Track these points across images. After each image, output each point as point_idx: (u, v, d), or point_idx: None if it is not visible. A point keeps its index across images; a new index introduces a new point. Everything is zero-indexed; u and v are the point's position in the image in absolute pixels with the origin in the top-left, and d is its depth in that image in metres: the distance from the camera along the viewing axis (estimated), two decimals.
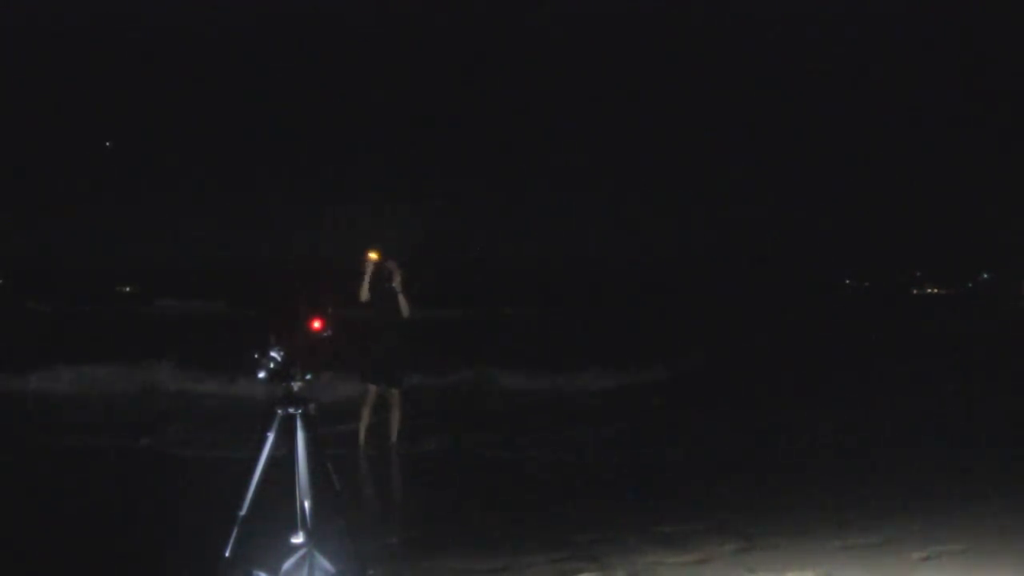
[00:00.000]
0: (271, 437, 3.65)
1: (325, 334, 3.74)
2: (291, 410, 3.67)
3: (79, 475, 8.49)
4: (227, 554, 3.56)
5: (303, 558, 3.65)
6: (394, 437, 9.71)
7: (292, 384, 3.68)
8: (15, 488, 7.82)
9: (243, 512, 3.59)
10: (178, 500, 7.26)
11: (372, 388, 9.59)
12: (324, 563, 3.66)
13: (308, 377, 3.71)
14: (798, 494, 7.23)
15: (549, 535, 5.80)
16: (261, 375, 3.65)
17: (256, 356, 3.65)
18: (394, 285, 9.40)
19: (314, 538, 3.67)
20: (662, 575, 5.03)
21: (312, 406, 3.71)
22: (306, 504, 3.67)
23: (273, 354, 3.64)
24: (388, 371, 9.59)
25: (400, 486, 8.83)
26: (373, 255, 9.44)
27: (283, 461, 3.67)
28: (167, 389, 14.40)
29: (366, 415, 9.60)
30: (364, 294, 9.40)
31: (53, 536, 6.00)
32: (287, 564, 3.64)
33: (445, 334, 21.10)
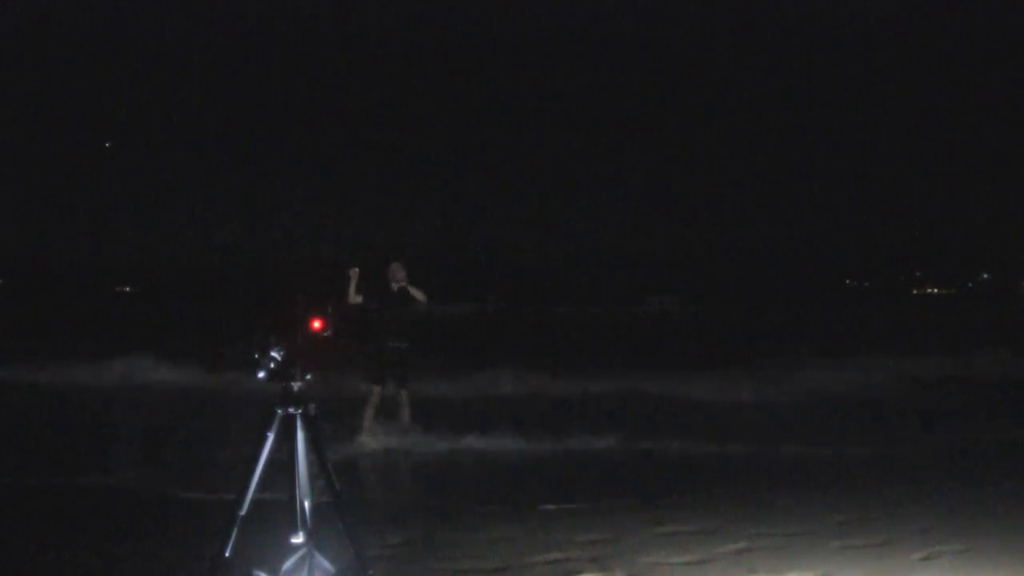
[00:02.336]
0: (271, 437, 3.65)
1: (325, 334, 3.74)
2: (291, 410, 3.67)
3: (76, 474, 8.48)
4: (227, 554, 3.55)
5: (303, 558, 3.64)
6: (406, 438, 9.73)
7: (292, 384, 3.68)
8: (12, 487, 7.81)
9: (243, 512, 3.59)
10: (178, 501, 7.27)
11: (376, 389, 9.62)
12: (324, 563, 3.66)
13: (308, 377, 3.71)
14: (798, 494, 7.22)
15: (549, 535, 5.80)
16: (261, 375, 3.65)
17: (256, 356, 3.64)
18: (403, 285, 9.49)
19: (314, 538, 3.67)
20: (662, 575, 5.03)
21: (312, 406, 3.70)
22: (306, 504, 3.67)
23: (273, 354, 3.64)
24: (396, 372, 9.63)
25: (401, 486, 8.83)
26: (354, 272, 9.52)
27: (283, 461, 3.67)
28: None
29: (370, 415, 9.63)
30: (353, 297, 9.46)
31: (51, 536, 6.00)
32: (287, 564, 3.63)
33: None
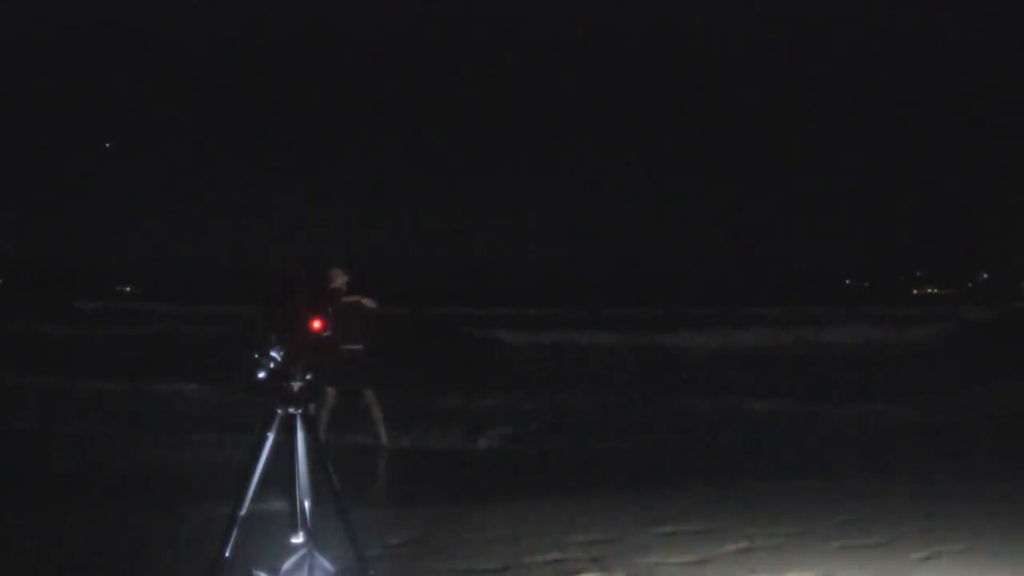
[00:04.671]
0: (271, 437, 3.65)
1: (325, 334, 3.74)
2: (291, 410, 3.67)
3: (76, 473, 8.49)
4: (227, 554, 3.55)
5: (303, 558, 3.64)
6: (383, 438, 9.74)
7: (292, 384, 3.68)
8: (15, 485, 7.81)
9: (243, 512, 3.59)
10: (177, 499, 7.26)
11: (330, 391, 9.65)
12: (324, 563, 3.66)
13: (308, 377, 3.71)
14: (798, 494, 7.22)
15: (549, 535, 5.80)
16: (261, 375, 3.65)
17: (256, 356, 3.64)
18: (342, 289, 9.46)
19: (314, 538, 3.67)
20: (662, 575, 5.03)
21: (312, 406, 3.71)
22: (306, 504, 3.67)
23: (273, 354, 3.64)
24: (354, 374, 9.61)
25: (399, 486, 8.83)
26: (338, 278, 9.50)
27: (283, 461, 3.67)
28: None
29: (325, 418, 9.63)
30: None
31: (50, 535, 6.00)
32: (287, 564, 3.63)
33: None
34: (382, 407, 9.79)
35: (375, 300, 9.61)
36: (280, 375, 3.66)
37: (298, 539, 3.66)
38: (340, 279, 9.54)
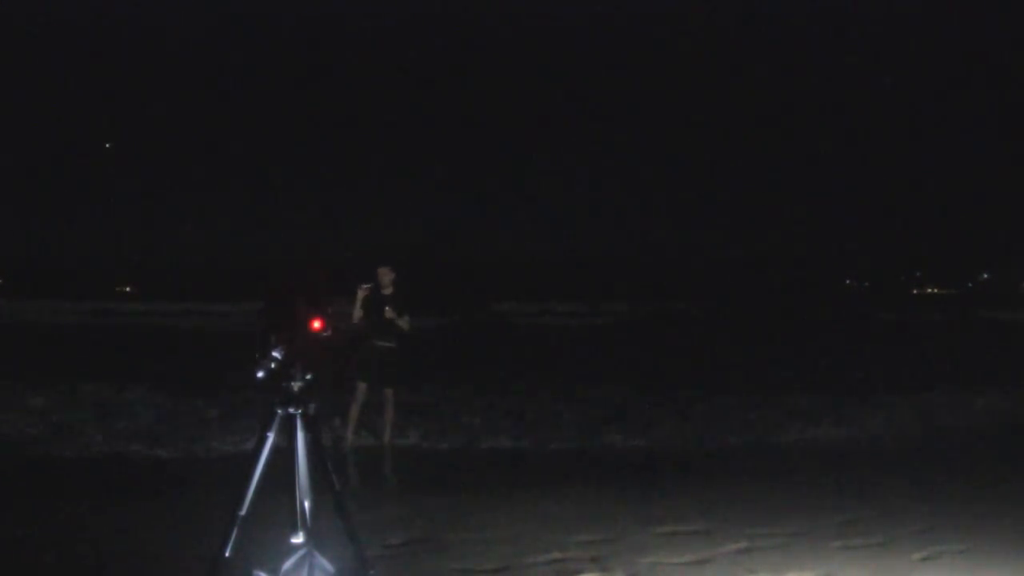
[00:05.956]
0: (271, 437, 3.65)
1: (325, 334, 3.73)
2: (291, 410, 3.66)
3: (75, 478, 8.49)
4: (227, 554, 3.55)
5: (303, 558, 3.64)
6: (387, 437, 9.76)
7: (292, 384, 3.67)
8: (13, 492, 7.81)
9: (243, 512, 3.58)
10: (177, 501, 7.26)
11: (362, 386, 9.63)
12: (324, 563, 3.66)
13: (308, 377, 3.71)
14: (798, 494, 7.23)
15: (549, 535, 5.80)
16: (261, 375, 3.64)
17: (256, 356, 3.64)
18: (388, 307, 9.47)
19: (314, 538, 3.67)
20: (662, 575, 5.03)
21: (312, 406, 3.70)
22: (306, 504, 3.66)
23: (273, 354, 3.63)
24: (382, 371, 9.62)
25: (400, 485, 8.82)
26: (384, 274, 9.53)
27: (283, 461, 3.67)
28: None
29: (355, 413, 9.63)
30: (357, 316, 9.46)
31: (51, 536, 6.00)
32: (287, 564, 3.63)
33: None
34: (397, 409, 9.83)
35: (407, 320, 9.63)
36: (280, 375, 3.65)
37: (298, 539, 3.66)
38: (387, 278, 9.58)
